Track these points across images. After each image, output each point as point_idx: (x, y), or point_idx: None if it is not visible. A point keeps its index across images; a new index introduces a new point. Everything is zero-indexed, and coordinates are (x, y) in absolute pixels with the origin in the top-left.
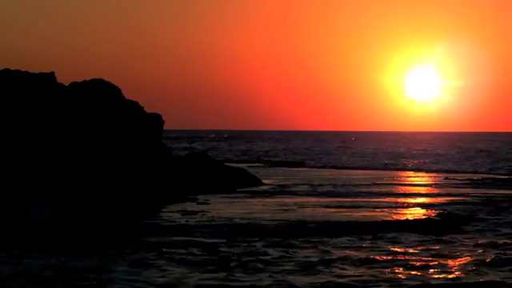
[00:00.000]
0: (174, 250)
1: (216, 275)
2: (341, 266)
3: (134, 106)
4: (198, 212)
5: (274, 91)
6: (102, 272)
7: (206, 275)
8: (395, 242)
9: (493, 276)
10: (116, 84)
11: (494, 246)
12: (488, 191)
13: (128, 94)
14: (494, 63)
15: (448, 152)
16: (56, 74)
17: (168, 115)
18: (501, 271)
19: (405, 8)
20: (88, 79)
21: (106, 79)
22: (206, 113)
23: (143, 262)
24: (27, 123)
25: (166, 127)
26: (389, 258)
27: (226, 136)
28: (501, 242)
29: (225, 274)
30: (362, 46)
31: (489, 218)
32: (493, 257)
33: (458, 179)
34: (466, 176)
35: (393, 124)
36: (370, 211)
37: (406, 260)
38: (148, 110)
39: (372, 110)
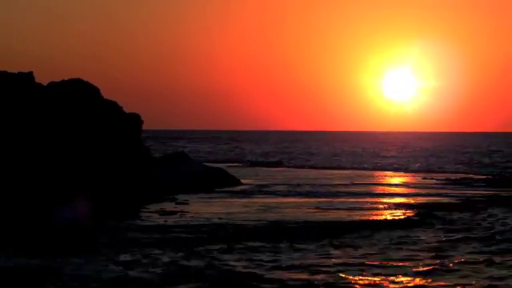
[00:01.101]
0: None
1: None
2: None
3: (113, 106)
4: (176, 212)
5: (254, 91)
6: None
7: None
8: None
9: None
10: (96, 83)
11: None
12: (466, 191)
13: (108, 94)
14: (470, 64)
15: (426, 152)
16: (35, 74)
17: (148, 115)
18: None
19: (382, 9)
20: (66, 79)
21: (85, 79)
22: (186, 113)
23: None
24: (3, 124)
25: (145, 127)
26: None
27: (205, 136)
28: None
29: None
30: (340, 46)
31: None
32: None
33: (436, 179)
34: (444, 176)
35: (371, 124)
36: (348, 211)
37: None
38: (129, 109)
39: (350, 111)
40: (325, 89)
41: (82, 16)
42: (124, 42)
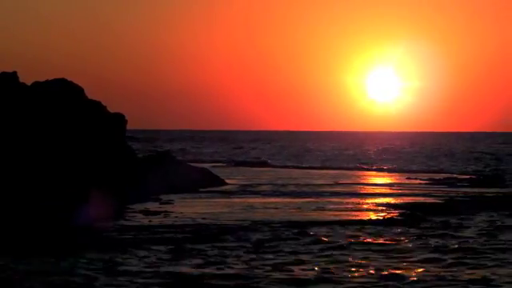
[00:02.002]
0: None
1: None
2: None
3: (97, 106)
4: (161, 212)
5: (239, 91)
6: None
7: None
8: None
9: None
10: (80, 83)
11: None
12: (450, 190)
13: (92, 93)
14: (453, 64)
15: (410, 152)
16: (19, 74)
17: (134, 114)
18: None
19: (366, 9)
20: (51, 79)
21: (70, 78)
22: (171, 113)
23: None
24: None
25: (131, 127)
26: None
27: (189, 136)
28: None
29: None
30: (324, 46)
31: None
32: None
33: (420, 178)
34: (428, 176)
35: (355, 124)
36: (332, 212)
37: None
38: (115, 109)
39: (334, 111)
40: (309, 88)
41: (67, 15)
42: (109, 41)
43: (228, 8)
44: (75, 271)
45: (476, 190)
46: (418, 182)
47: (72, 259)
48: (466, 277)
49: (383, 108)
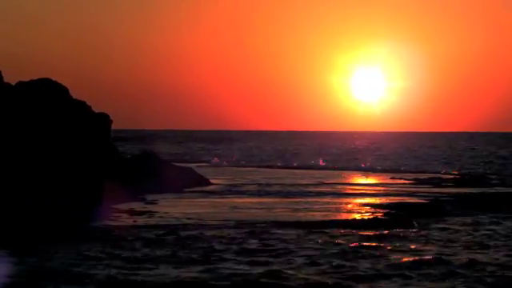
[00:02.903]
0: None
1: None
2: None
3: (81, 106)
4: (145, 212)
5: (223, 91)
6: None
7: None
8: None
9: None
10: (66, 82)
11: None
12: (434, 190)
13: (77, 92)
14: (438, 64)
15: (395, 152)
16: (3, 73)
17: (120, 114)
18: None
19: (351, 9)
20: (35, 78)
21: (55, 78)
22: (156, 112)
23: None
24: None
25: (116, 127)
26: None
27: (174, 136)
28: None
29: None
30: (309, 46)
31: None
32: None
33: (404, 178)
34: (413, 176)
35: (339, 124)
36: (317, 211)
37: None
38: (99, 108)
39: (319, 110)
40: (294, 88)
41: (52, 14)
42: (96, 40)
43: (214, 8)
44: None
45: (461, 190)
46: (402, 181)
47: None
48: None
49: (368, 108)
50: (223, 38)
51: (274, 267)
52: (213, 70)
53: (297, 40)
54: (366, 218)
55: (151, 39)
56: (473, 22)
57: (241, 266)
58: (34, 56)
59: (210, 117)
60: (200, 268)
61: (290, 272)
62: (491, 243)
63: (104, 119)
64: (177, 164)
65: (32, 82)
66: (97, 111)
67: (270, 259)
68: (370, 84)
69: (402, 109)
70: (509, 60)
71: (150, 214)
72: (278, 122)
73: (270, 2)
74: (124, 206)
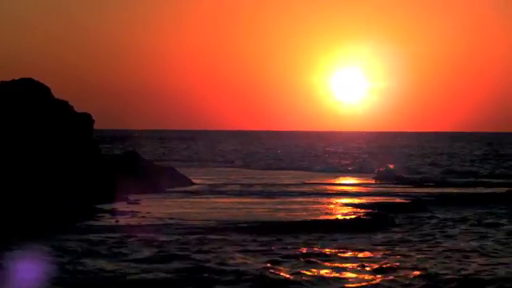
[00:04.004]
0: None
1: None
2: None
3: (63, 106)
4: (128, 212)
5: (206, 91)
6: None
7: None
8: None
9: None
10: (48, 81)
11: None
12: (415, 190)
13: (60, 92)
14: (419, 64)
15: (377, 152)
16: None
17: (101, 114)
18: None
19: (332, 8)
20: (17, 78)
21: (37, 78)
22: (139, 112)
23: None
24: None
25: (99, 127)
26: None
27: (156, 136)
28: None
29: None
30: (291, 46)
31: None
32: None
33: (386, 178)
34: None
35: (321, 124)
36: (299, 212)
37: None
38: (82, 108)
39: (301, 110)
40: (275, 88)
41: (34, 13)
42: (79, 40)
43: (198, 9)
44: None
45: (441, 190)
46: (383, 181)
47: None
48: None
49: (349, 108)
50: (207, 39)
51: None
52: (196, 70)
53: (279, 40)
54: (348, 218)
55: (135, 39)
56: (455, 22)
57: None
58: (16, 55)
59: (193, 116)
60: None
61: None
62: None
63: (86, 119)
64: (159, 163)
65: (14, 81)
66: (79, 111)
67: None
68: (352, 84)
69: (384, 109)
70: (491, 60)
71: (133, 213)
72: (260, 122)
73: (252, 2)
74: (107, 206)
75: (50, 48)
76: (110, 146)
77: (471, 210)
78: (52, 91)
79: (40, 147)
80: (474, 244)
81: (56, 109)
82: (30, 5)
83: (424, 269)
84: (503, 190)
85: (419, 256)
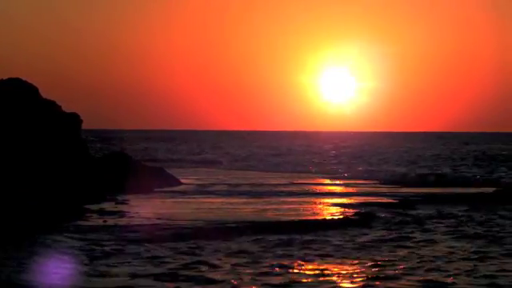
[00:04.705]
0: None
1: None
2: None
3: (51, 106)
4: (116, 212)
5: (194, 91)
6: None
7: None
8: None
9: None
10: (36, 81)
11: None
12: (402, 190)
13: (48, 92)
14: (408, 64)
15: (364, 152)
16: None
17: (90, 114)
18: None
19: (321, 8)
20: (5, 78)
21: (25, 78)
22: (127, 112)
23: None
24: None
25: (88, 126)
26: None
27: (144, 136)
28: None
29: None
30: (280, 46)
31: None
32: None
33: (372, 178)
34: (382, 176)
35: (310, 124)
36: (287, 212)
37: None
38: (70, 108)
39: (290, 110)
40: (264, 88)
41: (22, 12)
42: (66, 39)
43: (185, 8)
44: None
45: (426, 190)
46: (370, 181)
47: None
48: None
49: (338, 108)
50: (194, 38)
51: None
52: (185, 70)
53: (267, 40)
54: (335, 218)
55: (123, 38)
56: (443, 23)
57: None
58: (4, 55)
59: (182, 117)
60: None
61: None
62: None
63: (74, 119)
64: (147, 163)
65: (1, 81)
66: (67, 111)
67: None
68: (341, 84)
69: (372, 109)
70: (479, 60)
71: (121, 214)
72: (249, 123)
73: (240, 2)
74: (95, 206)
75: (38, 48)
76: (99, 146)
77: (458, 210)
78: (41, 91)
79: (27, 147)
80: (457, 244)
81: (44, 109)
82: (18, 5)
83: (412, 269)
84: (490, 189)
85: (404, 254)
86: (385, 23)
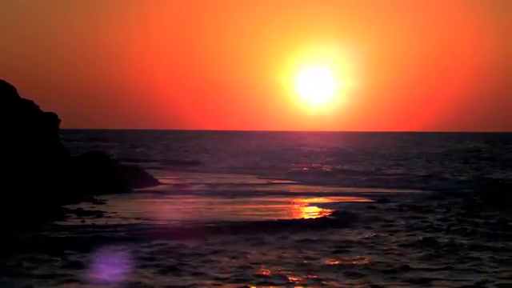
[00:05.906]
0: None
1: None
2: None
3: (29, 106)
4: (94, 212)
5: (172, 91)
6: None
7: None
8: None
9: None
10: (13, 81)
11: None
12: (381, 190)
13: (26, 91)
14: (388, 64)
15: (344, 151)
16: None
17: (68, 114)
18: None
19: (298, 8)
20: None
21: (1, 77)
22: (105, 112)
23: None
24: None
25: (66, 126)
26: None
27: (121, 135)
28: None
29: None
30: (258, 45)
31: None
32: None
33: (352, 178)
34: (360, 176)
35: (288, 124)
36: (265, 212)
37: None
38: (47, 107)
39: (268, 110)
40: (242, 88)
41: (2, 12)
42: (45, 39)
43: (162, 8)
44: None
45: (406, 190)
46: (350, 181)
47: None
48: None
49: (317, 108)
50: (172, 38)
51: None
52: (162, 70)
53: (245, 39)
54: (314, 217)
55: (100, 38)
56: (423, 23)
57: None
58: None
59: (160, 116)
60: None
61: None
62: None
63: (52, 119)
64: (125, 163)
65: None
66: (45, 111)
67: None
68: (320, 84)
69: (352, 109)
70: (459, 60)
71: (99, 213)
72: (227, 122)
73: (218, 2)
74: (73, 206)
75: (15, 47)
76: (78, 146)
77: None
78: (18, 91)
79: (3, 147)
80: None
81: (21, 108)
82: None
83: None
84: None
85: (382, 250)
86: (364, 22)
